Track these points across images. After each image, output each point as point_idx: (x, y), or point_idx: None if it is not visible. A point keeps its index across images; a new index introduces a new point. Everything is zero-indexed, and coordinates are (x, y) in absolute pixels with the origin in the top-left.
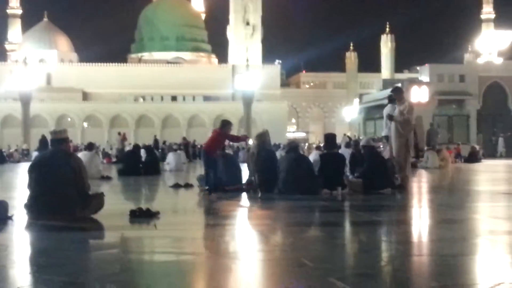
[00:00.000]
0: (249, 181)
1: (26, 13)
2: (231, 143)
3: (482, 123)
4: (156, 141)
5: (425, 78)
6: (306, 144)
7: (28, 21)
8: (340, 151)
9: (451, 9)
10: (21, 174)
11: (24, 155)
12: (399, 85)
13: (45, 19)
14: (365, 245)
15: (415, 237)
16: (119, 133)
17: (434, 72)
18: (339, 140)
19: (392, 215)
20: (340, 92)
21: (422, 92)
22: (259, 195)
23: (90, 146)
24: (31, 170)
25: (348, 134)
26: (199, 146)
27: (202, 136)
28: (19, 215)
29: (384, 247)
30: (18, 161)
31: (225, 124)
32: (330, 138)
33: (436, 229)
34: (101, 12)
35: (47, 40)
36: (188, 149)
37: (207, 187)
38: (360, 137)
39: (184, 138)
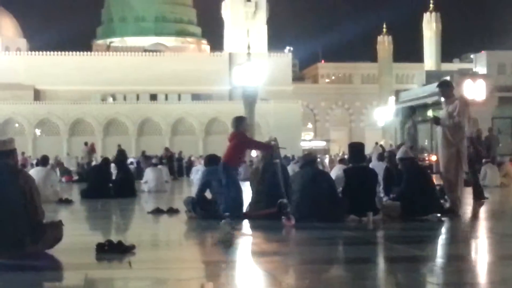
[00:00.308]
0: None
1: None
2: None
3: None
4: (121, 152)
5: (481, 69)
6: (327, 156)
7: None
8: (370, 165)
9: None
10: None
11: None
12: (448, 78)
13: None
14: None
15: (470, 278)
16: (85, 143)
17: (494, 61)
18: (368, 151)
19: (439, 249)
20: (370, 88)
21: (477, 88)
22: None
23: (44, 160)
24: None
25: (382, 143)
26: (186, 160)
27: (190, 146)
28: None
29: None
30: None
31: (239, 121)
32: (356, 149)
33: (498, 267)
34: None
35: None
36: (173, 164)
37: (230, 214)
38: (396, 146)
39: (167, 149)
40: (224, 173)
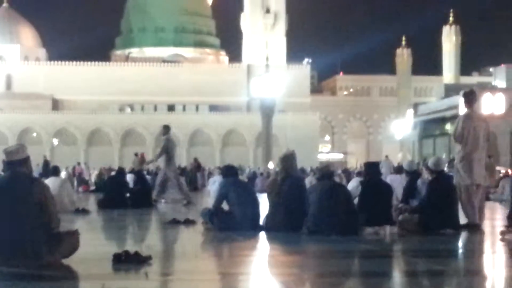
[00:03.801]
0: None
1: None
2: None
3: None
4: (46, 163)
5: (500, 82)
6: (340, 169)
7: None
8: (388, 178)
9: None
10: None
11: None
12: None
13: (5, 5)
14: None
15: None
16: (136, 154)
17: None
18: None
19: (458, 263)
20: (388, 101)
21: (496, 101)
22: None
23: (55, 170)
24: None
25: (399, 156)
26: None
27: (207, 157)
28: None
29: None
30: None
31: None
32: (372, 166)
33: None
34: None
35: (7, 32)
36: (197, 174)
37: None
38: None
39: (195, 160)
40: None
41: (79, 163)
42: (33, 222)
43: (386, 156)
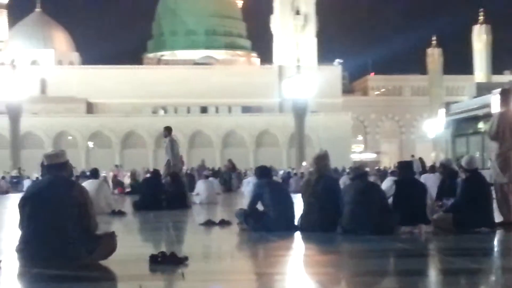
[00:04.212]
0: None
1: (14, 2)
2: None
3: None
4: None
5: None
6: (376, 168)
7: (17, 12)
8: (422, 177)
9: None
10: (10, 208)
11: (14, 184)
12: (507, 87)
13: (38, 10)
14: None
15: None
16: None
17: None
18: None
19: (494, 261)
20: (420, 100)
21: None
22: None
23: (94, 173)
24: (23, 204)
25: (432, 155)
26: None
27: (240, 159)
28: (8, 261)
29: None
30: (6, 192)
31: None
32: (405, 165)
33: None
34: (109, 1)
35: (41, 37)
36: (232, 176)
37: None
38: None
39: (230, 161)
40: None
41: (117, 166)
42: (72, 225)
43: (413, 156)
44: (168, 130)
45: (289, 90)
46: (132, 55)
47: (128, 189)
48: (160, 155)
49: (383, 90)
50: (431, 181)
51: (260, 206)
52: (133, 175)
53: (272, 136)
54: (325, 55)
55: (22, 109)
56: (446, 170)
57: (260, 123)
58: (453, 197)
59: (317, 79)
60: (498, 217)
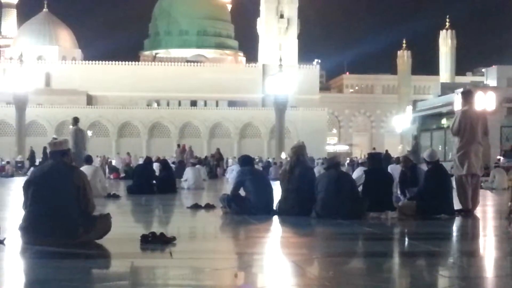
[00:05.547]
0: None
1: (22, 2)
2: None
3: None
4: (45, 150)
5: (491, 82)
6: (347, 159)
7: (25, 12)
8: (389, 168)
9: None
10: (14, 190)
11: (19, 168)
12: (469, 87)
13: (45, 10)
14: (419, 281)
15: (479, 272)
16: (178, 146)
17: (503, 75)
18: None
19: (452, 245)
20: (390, 98)
21: (488, 99)
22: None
23: (88, 159)
24: (27, 187)
25: (399, 147)
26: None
27: (225, 148)
28: (12, 239)
29: (442, 283)
30: (11, 175)
31: None
32: (375, 156)
33: (505, 263)
34: (109, 2)
35: (47, 34)
36: (219, 164)
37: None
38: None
39: (218, 150)
40: None
41: (118, 153)
42: (71, 205)
43: (374, 148)
44: (75, 120)
45: (271, 87)
46: (129, 52)
47: (122, 175)
48: (153, 143)
49: (357, 88)
50: (397, 172)
51: (242, 192)
52: (124, 160)
53: (255, 128)
54: (305, 55)
55: (27, 100)
56: (406, 164)
57: (244, 116)
58: (415, 186)
59: (297, 77)
60: (457, 205)
